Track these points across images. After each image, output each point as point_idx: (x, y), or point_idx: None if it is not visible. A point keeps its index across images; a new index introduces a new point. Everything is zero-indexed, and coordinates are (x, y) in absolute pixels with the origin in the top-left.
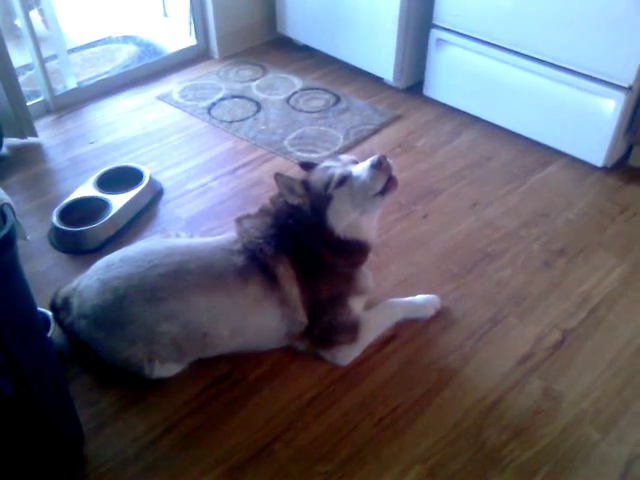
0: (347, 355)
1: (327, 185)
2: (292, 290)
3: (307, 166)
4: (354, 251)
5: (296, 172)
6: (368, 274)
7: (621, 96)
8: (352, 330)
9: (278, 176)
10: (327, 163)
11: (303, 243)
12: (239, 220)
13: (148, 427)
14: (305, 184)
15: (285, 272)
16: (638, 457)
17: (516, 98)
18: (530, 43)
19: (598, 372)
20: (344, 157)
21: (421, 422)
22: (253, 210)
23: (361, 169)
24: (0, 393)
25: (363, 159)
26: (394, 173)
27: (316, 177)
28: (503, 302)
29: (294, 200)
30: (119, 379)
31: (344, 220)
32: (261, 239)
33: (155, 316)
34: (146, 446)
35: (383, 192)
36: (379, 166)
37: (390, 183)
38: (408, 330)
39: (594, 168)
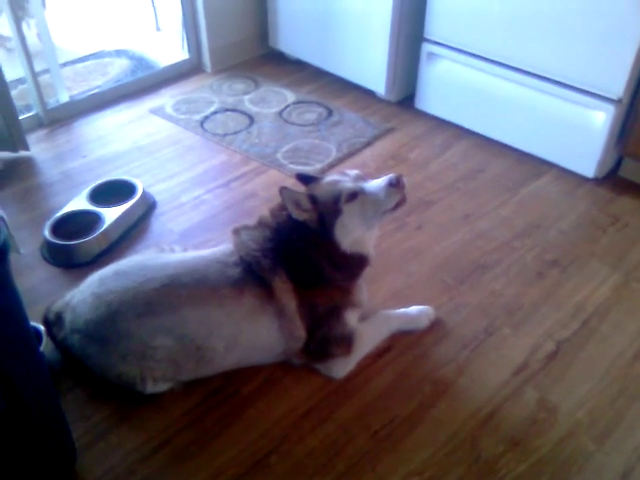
0: (342, 368)
1: (337, 199)
2: (289, 303)
3: (304, 179)
4: (355, 265)
5: (291, 184)
6: (363, 287)
7: (611, 108)
8: (347, 343)
9: (284, 190)
10: (335, 177)
11: (303, 257)
12: (236, 231)
13: (141, 442)
14: (312, 198)
15: (282, 285)
16: (634, 467)
17: (507, 111)
18: (520, 56)
19: (592, 382)
20: (351, 172)
21: (417, 434)
22: (251, 221)
23: (377, 186)
24: None
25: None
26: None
27: (324, 191)
28: (497, 313)
29: (300, 215)
30: (112, 393)
31: (351, 235)
32: (259, 252)
33: (149, 331)
34: (139, 461)
35: (393, 208)
36: (397, 185)
37: (401, 200)
38: (402, 342)
39: (585, 179)
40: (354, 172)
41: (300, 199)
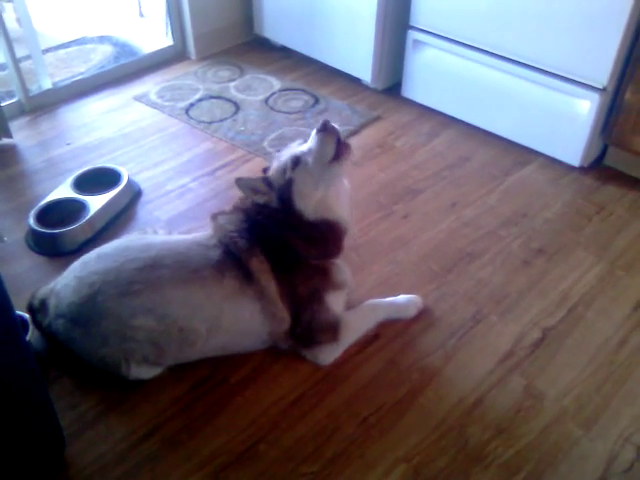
0: (328, 355)
1: (284, 170)
2: (268, 284)
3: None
4: (327, 235)
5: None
6: (344, 267)
7: (596, 97)
8: (333, 329)
9: (239, 180)
10: (280, 153)
11: (275, 237)
12: (214, 216)
13: (130, 430)
14: (265, 180)
15: (259, 265)
16: (619, 452)
17: (493, 99)
18: (506, 45)
19: (578, 369)
20: (294, 144)
21: (405, 421)
22: (228, 207)
23: (309, 142)
24: None
25: None
26: (342, 137)
27: (274, 169)
28: (484, 301)
29: (260, 199)
30: (100, 382)
31: (310, 199)
32: (235, 233)
33: (130, 310)
34: (128, 449)
35: (337, 157)
36: (324, 129)
37: (342, 147)
38: (390, 330)
39: (571, 168)
40: (296, 142)
41: (255, 185)
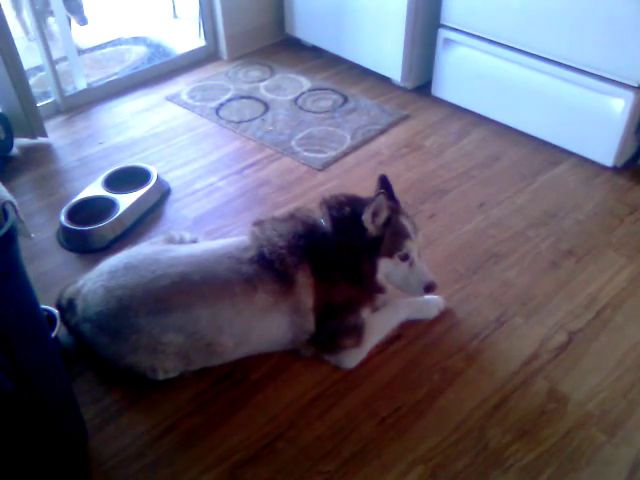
0: (353, 359)
1: (396, 248)
2: (307, 299)
3: (385, 184)
4: (375, 288)
5: (304, 172)
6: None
7: (630, 95)
8: (357, 334)
9: (381, 195)
10: (409, 226)
11: (340, 254)
12: (260, 223)
13: (151, 425)
14: (387, 221)
15: (304, 280)
16: None
17: (525, 98)
18: (538, 43)
19: (604, 374)
20: (420, 234)
21: (424, 422)
22: (279, 214)
23: (423, 274)
24: (3, 390)
25: (370, 159)
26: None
27: (395, 228)
28: (509, 303)
29: (366, 221)
30: (123, 377)
31: (381, 274)
32: (284, 249)
33: (159, 328)
34: (149, 444)
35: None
36: (429, 291)
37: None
38: (412, 330)
39: (603, 168)
40: (420, 237)
41: (382, 214)
